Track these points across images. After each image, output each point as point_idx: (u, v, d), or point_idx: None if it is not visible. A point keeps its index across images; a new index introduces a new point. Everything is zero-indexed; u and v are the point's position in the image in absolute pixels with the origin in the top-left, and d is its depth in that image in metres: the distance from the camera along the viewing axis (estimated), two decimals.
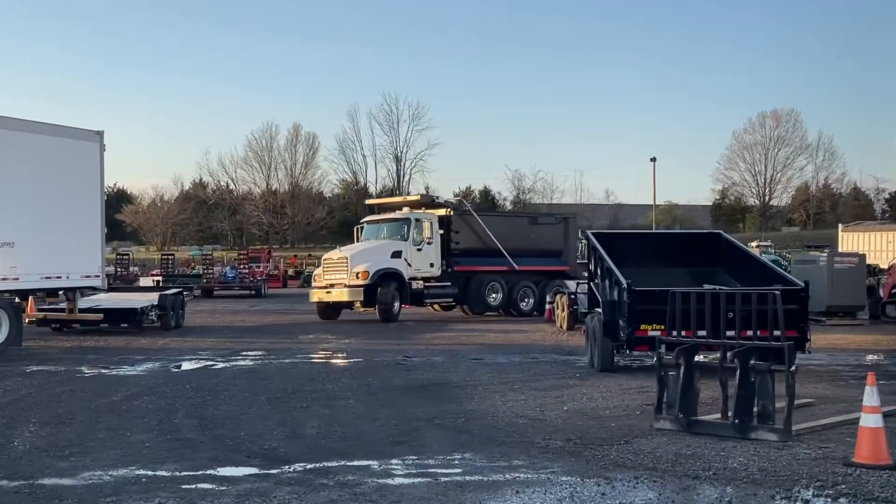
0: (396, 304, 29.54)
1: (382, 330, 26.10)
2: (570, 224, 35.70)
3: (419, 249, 30.66)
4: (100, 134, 23.14)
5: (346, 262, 29.55)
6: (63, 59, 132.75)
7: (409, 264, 30.20)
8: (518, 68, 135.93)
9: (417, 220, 31.06)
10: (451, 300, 32.68)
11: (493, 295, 32.17)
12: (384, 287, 29.21)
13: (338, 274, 29.68)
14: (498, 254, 32.34)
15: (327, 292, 29.88)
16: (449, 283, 31.59)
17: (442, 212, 32.51)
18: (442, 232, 31.70)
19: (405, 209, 32.44)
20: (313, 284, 31.17)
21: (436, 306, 33.34)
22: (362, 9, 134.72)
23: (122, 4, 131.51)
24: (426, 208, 32.71)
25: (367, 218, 34.26)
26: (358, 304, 30.04)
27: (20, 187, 20.69)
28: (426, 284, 30.72)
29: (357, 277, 29.05)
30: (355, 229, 34.07)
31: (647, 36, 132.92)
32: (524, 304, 32.67)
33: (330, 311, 30.46)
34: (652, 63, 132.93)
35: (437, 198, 35.45)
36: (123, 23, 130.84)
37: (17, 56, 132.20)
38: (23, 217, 20.65)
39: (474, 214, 33.79)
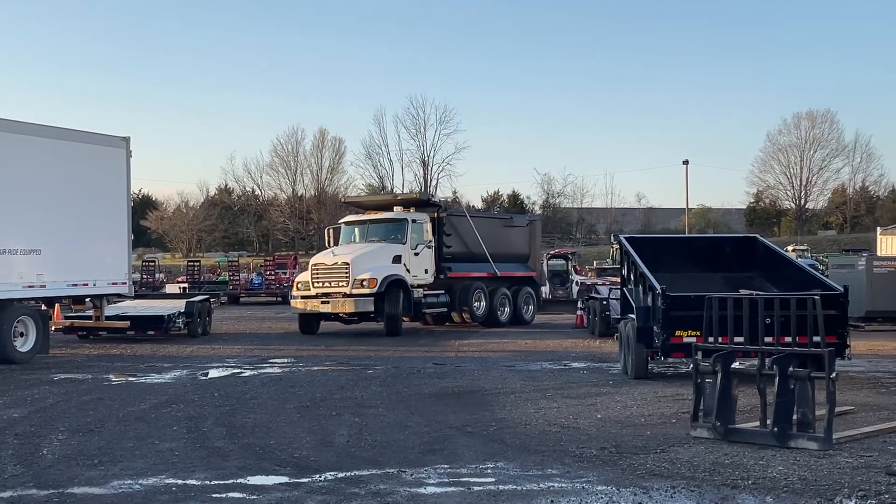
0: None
1: (410, 338, 25.65)
2: (535, 226, 33.78)
3: (416, 254, 27.41)
4: (126, 140, 23.08)
5: (347, 269, 26.06)
6: (87, 63, 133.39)
7: (408, 270, 27.03)
8: (547, 70, 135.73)
9: (415, 220, 27.78)
10: (445, 310, 29.16)
11: (477, 304, 29.24)
12: (391, 296, 26.06)
13: (335, 281, 26.23)
14: (482, 258, 29.82)
15: (323, 302, 26.26)
16: (442, 291, 28.56)
17: (429, 212, 29.00)
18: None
19: (397, 209, 28.78)
20: (297, 293, 27.19)
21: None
22: (388, 12, 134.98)
23: (146, 9, 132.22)
24: (416, 208, 28.87)
25: (349, 218, 29.95)
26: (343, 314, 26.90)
27: (46, 194, 20.63)
28: (425, 293, 27.71)
29: (363, 286, 25.75)
30: (327, 231, 30.48)
31: (677, 36, 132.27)
32: (501, 312, 30.04)
33: (313, 322, 27.15)
34: (683, 64, 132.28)
35: (432, 196, 31.66)
36: (147, 28, 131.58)
37: (37, 60, 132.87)
38: (49, 224, 20.59)
39: (466, 215, 31.29)
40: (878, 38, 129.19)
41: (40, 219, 20.40)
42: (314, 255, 27.76)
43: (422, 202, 29.55)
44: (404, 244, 27.15)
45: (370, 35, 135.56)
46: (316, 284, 26.50)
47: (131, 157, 23.07)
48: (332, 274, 26.38)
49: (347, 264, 26.12)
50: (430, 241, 27.86)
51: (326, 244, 29.73)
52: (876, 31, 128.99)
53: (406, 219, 27.71)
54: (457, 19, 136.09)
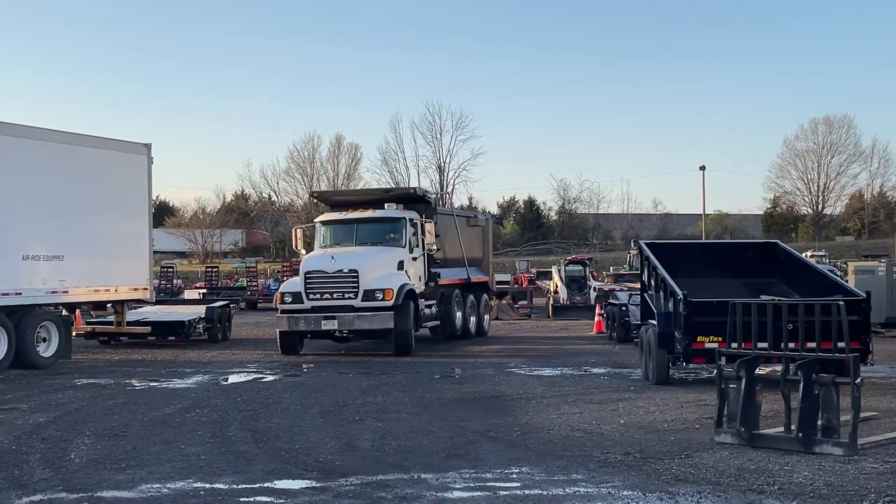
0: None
1: (429, 343, 25.25)
2: (490, 226, 30.90)
3: (414, 259, 23.35)
4: (147, 147, 23.22)
5: (355, 277, 21.49)
6: (104, 69, 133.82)
7: (409, 278, 22.83)
8: (563, 76, 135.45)
9: (412, 220, 23.55)
10: (439, 322, 25.37)
11: (457, 313, 26.09)
12: (404, 310, 21.71)
13: (339, 292, 21.54)
14: (460, 263, 26.73)
15: (327, 318, 21.35)
16: (434, 301, 24.85)
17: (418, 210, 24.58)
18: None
19: (389, 206, 24.01)
20: (284, 307, 21.89)
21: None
22: (405, 18, 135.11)
23: (163, 15, 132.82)
24: (403, 206, 24.22)
25: (329, 216, 24.55)
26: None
27: (69, 200, 20.78)
28: (425, 304, 23.84)
29: (375, 298, 21.34)
30: (295, 232, 25.57)
31: (693, 41, 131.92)
32: (469, 322, 26.87)
33: (296, 340, 22.25)
34: (700, 69, 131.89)
35: (427, 192, 26.85)
36: (164, 34, 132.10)
37: (54, 66, 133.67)
38: (72, 230, 20.75)
39: (453, 214, 28.23)
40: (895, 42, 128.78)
41: (63, 225, 20.54)
42: (303, 259, 23.28)
43: (417, 198, 25.08)
44: (403, 247, 23.05)
45: (386, 41, 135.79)
46: (312, 296, 21.66)
47: (152, 163, 23.20)
48: (335, 284, 21.65)
49: (355, 272, 21.58)
50: (432, 244, 23.80)
51: (295, 247, 25.48)
52: (893, 35, 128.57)
53: (403, 217, 23.43)
54: (473, 25, 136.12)
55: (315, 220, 25.43)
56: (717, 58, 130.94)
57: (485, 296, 28.74)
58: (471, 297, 27.14)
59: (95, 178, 21.60)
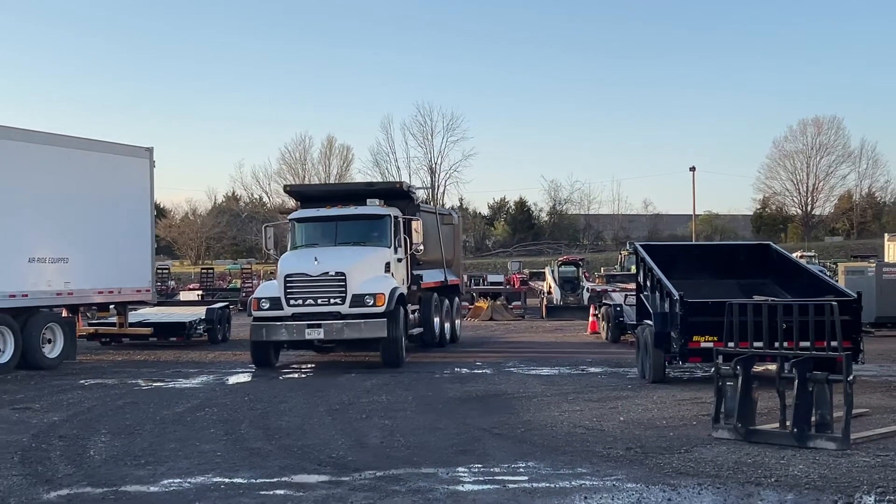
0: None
1: (419, 349, 23.94)
2: (460, 224, 29.46)
3: (399, 260, 21.28)
4: (150, 150, 23.53)
5: (343, 281, 19.50)
6: (96, 70, 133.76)
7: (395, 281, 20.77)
8: (554, 77, 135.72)
9: (397, 218, 21.44)
10: (422, 329, 23.30)
11: (435, 319, 24.13)
12: (394, 317, 19.71)
13: (323, 297, 19.52)
14: (438, 264, 24.97)
15: (311, 326, 19.31)
16: (418, 307, 22.94)
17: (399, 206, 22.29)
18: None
19: (371, 201, 21.54)
20: (260, 313, 19.66)
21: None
22: (396, 19, 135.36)
23: (154, 16, 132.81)
24: (386, 202, 21.85)
25: (304, 213, 22.06)
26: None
27: (74, 204, 21.08)
28: (411, 309, 21.91)
29: (365, 303, 19.36)
30: (265, 230, 23.04)
31: (684, 42, 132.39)
32: (444, 328, 25.03)
33: (270, 350, 20.13)
34: (690, 70, 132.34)
35: (411, 187, 24.40)
36: (155, 35, 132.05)
37: (44, 66, 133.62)
38: (76, 233, 21.05)
39: (435, 212, 26.55)
40: (883, 44, 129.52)
41: (67, 228, 20.85)
42: (281, 260, 21.01)
43: (400, 194, 22.86)
44: (388, 248, 20.92)
45: (377, 42, 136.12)
46: (293, 302, 19.59)
47: (154, 167, 23.52)
48: (320, 288, 19.61)
49: (343, 275, 19.59)
50: (419, 244, 21.77)
51: (265, 247, 23.32)
52: (881, 37, 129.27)
53: (388, 215, 21.27)
54: (464, 26, 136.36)
55: (288, 217, 22.49)
56: (706, 59, 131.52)
57: (457, 299, 27.04)
58: (446, 300, 25.40)
59: (99, 181, 21.91)
